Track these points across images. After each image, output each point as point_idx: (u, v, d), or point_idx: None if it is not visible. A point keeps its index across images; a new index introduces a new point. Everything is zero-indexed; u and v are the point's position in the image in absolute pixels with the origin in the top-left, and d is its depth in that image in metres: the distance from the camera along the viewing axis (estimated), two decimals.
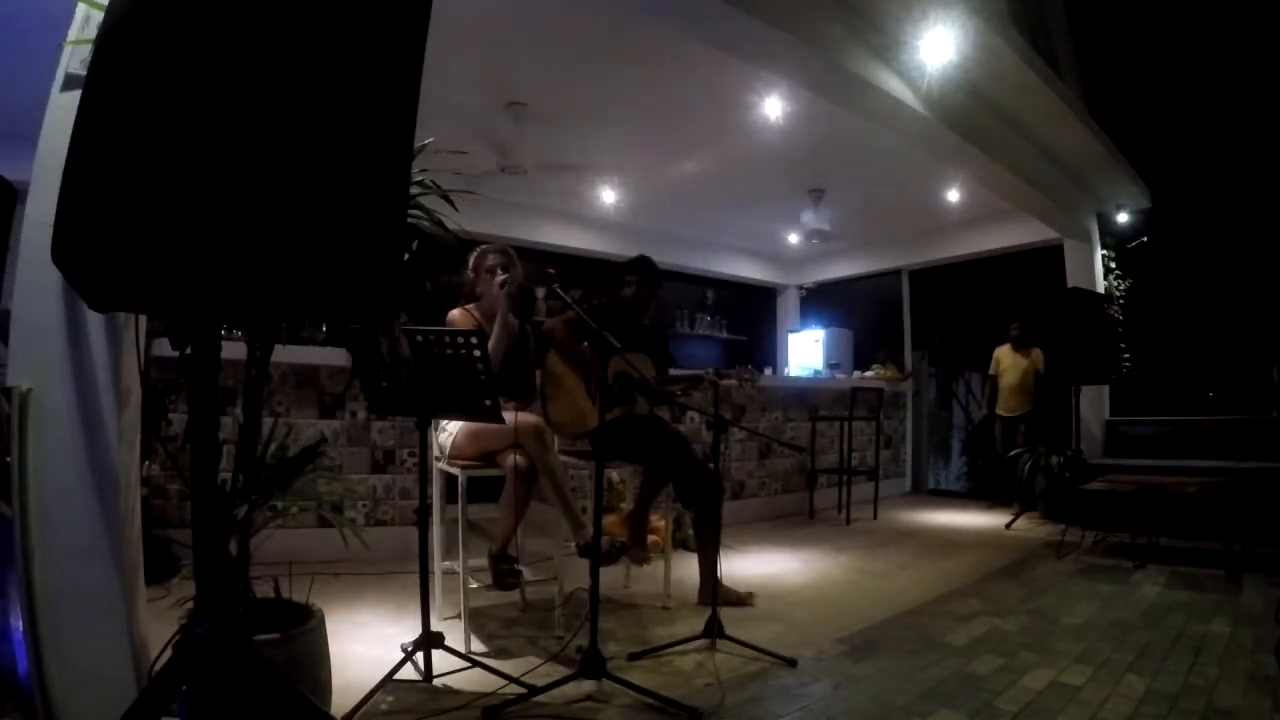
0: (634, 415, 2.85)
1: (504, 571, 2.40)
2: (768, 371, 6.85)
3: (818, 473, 5.52)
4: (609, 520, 3.42)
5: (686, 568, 3.12)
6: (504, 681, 1.92)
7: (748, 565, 3.64)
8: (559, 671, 1.94)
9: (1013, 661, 2.23)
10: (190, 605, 1.35)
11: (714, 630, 2.31)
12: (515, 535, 2.54)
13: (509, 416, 2.21)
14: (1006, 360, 5.79)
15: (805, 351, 7.48)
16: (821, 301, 8.38)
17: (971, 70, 3.80)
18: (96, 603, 1.41)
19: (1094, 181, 5.61)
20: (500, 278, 2.56)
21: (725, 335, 7.88)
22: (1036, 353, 5.65)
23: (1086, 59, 5.85)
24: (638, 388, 2.79)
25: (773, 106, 4.10)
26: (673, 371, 3.22)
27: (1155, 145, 5.77)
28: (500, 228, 5.77)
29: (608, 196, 5.89)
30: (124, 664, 1.44)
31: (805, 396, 5.67)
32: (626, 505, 3.55)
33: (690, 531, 3.54)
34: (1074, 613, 2.79)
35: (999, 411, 5.79)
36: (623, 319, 2.93)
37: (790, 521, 5.15)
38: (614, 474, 3.87)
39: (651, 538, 3.32)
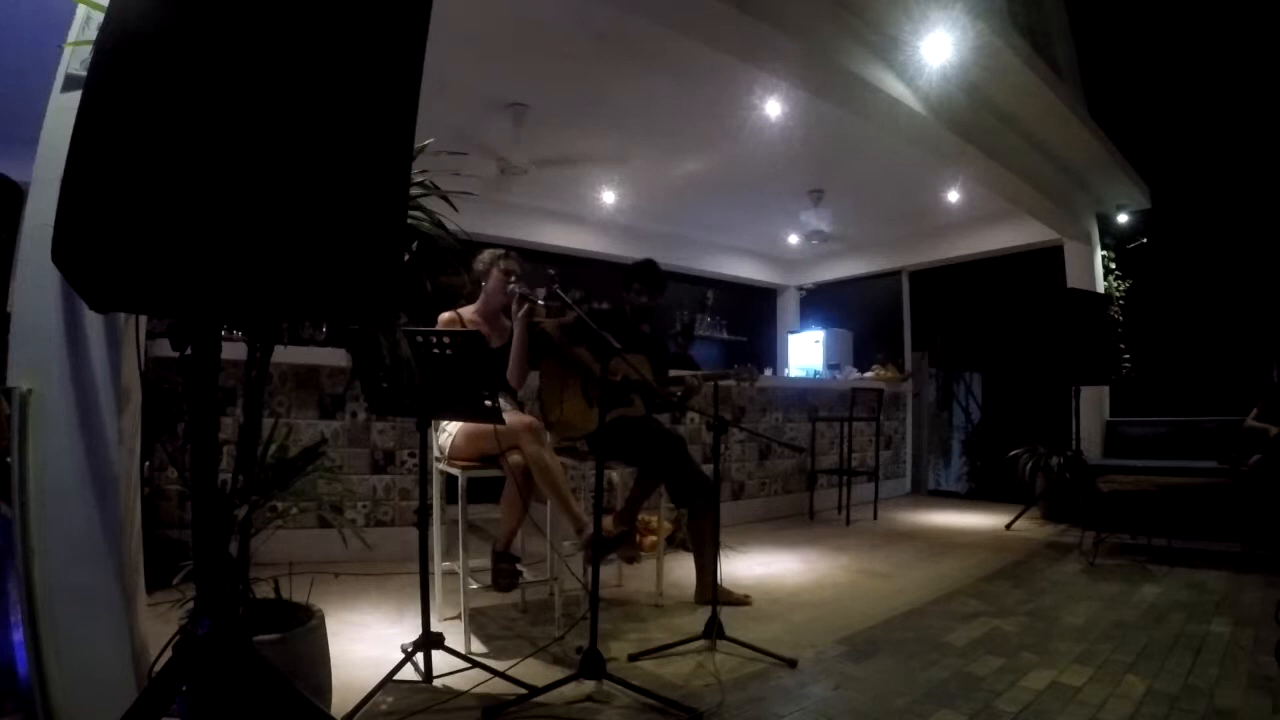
0: (628, 417, 2.85)
1: (503, 572, 2.40)
2: (768, 372, 6.84)
3: (818, 473, 5.51)
4: (606, 521, 3.41)
5: (682, 567, 3.11)
6: (504, 682, 1.91)
7: (747, 566, 3.63)
8: (559, 672, 1.95)
9: (1013, 662, 2.23)
10: (190, 606, 1.35)
11: (714, 631, 2.31)
12: (518, 534, 2.54)
13: (509, 417, 2.21)
14: None
15: (805, 352, 7.47)
16: (821, 302, 8.37)
17: (971, 71, 3.80)
18: (96, 603, 1.41)
19: (1094, 182, 5.60)
20: (515, 284, 2.59)
21: (725, 336, 7.88)
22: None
23: (1087, 59, 5.83)
24: (635, 389, 2.79)
25: (772, 107, 4.09)
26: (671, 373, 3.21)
27: (1155, 146, 5.76)
28: (501, 228, 5.77)
29: (608, 197, 5.88)
30: (124, 664, 1.44)
31: (805, 397, 5.67)
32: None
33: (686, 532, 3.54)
34: (1074, 613, 2.79)
35: None
36: (623, 323, 2.93)
37: (790, 522, 5.14)
38: (614, 475, 3.86)
39: (650, 538, 3.32)
